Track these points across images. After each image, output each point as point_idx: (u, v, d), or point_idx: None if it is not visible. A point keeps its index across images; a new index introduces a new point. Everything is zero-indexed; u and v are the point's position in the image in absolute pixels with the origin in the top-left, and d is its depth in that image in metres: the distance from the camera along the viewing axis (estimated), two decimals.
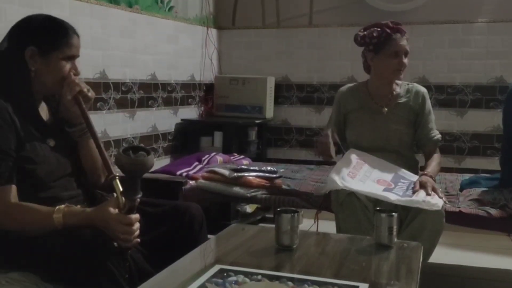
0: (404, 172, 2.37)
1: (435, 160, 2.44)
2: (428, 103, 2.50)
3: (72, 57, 1.69)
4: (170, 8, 3.60)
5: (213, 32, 4.16)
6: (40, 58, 1.63)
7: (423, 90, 2.52)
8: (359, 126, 2.50)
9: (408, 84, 2.54)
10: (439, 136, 2.49)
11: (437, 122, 2.51)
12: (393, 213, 1.60)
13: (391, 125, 2.44)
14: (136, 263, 1.59)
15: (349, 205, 2.11)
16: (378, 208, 1.68)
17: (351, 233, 2.02)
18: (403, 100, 2.48)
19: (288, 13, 4.10)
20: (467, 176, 2.87)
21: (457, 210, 2.26)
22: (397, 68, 2.39)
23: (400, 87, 2.51)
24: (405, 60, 2.40)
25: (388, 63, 2.39)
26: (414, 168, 2.51)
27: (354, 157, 2.35)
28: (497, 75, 3.64)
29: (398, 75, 2.43)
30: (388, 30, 2.38)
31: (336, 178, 2.19)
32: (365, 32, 2.42)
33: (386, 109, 2.46)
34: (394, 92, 2.49)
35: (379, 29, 2.39)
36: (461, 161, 3.75)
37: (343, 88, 2.61)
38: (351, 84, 2.62)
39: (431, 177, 2.28)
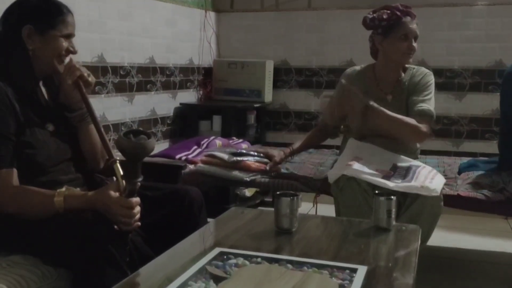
0: (403, 160, 2.35)
1: (401, 116, 2.24)
2: (425, 80, 2.40)
3: (69, 36, 1.69)
4: None
5: (212, 15, 4.13)
6: (38, 37, 1.63)
7: (426, 70, 2.46)
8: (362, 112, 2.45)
9: (413, 68, 2.48)
10: (424, 108, 2.28)
11: (436, 106, 2.43)
12: (392, 197, 1.61)
13: (394, 112, 2.37)
14: (137, 246, 1.60)
15: (349, 190, 2.12)
16: (376, 192, 1.69)
17: (351, 217, 2.03)
18: (406, 85, 2.43)
19: None
20: (465, 159, 2.88)
21: (456, 193, 2.28)
22: (406, 52, 2.35)
23: (406, 72, 2.47)
24: (415, 44, 2.37)
25: (398, 46, 2.35)
26: (414, 153, 2.51)
27: (350, 156, 2.33)
28: (497, 58, 3.63)
29: (407, 59, 2.39)
30: (398, 13, 2.34)
31: (334, 170, 2.23)
32: (374, 15, 2.39)
33: (390, 96, 2.42)
34: (399, 78, 2.44)
35: (389, 11, 2.36)
36: (460, 145, 3.76)
37: (349, 71, 2.56)
38: (357, 67, 2.56)
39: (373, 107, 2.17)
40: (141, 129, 1.60)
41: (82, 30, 2.70)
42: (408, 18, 2.36)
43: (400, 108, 2.38)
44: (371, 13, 2.42)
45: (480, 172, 2.49)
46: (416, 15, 2.41)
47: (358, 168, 2.20)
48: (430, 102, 2.34)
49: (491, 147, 3.60)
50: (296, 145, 2.62)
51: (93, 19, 2.84)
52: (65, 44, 1.68)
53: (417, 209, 2.10)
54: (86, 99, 1.68)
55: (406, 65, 2.46)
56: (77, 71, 1.68)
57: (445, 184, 2.26)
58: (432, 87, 2.42)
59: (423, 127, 2.26)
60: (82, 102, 1.70)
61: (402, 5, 2.39)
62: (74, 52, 1.71)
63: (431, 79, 2.43)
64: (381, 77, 2.46)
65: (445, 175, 2.47)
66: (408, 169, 2.25)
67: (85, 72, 1.70)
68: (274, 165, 2.55)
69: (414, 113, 2.30)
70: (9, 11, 1.67)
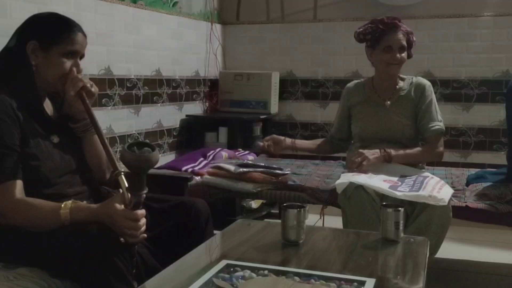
0: (410, 170, 2.38)
1: (416, 149, 2.44)
2: (429, 94, 2.50)
3: (74, 53, 1.67)
4: (174, 4, 3.59)
5: (218, 27, 4.15)
6: (41, 53, 1.63)
7: (425, 82, 2.55)
8: (363, 119, 2.57)
9: (412, 78, 2.58)
10: (438, 127, 2.45)
11: (443, 117, 2.51)
12: (400, 208, 1.60)
13: (394, 117, 2.49)
14: (143, 258, 1.60)
15: (357, 198, 2.11)
16: (384, 203, 1.68)
17: (359, 226, 2.03)
18: (405, 93, 2.52)
19: (293, 8, 4.08)
20: (473, 170, 2.86)
21: (464, 205, 2.26)
22: (390, 62, 2.45)
23: (405, 81, 2.56)
24: (402, 55, 2.45)
25: (382, 57, 2.46)
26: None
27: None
28: (503, 69, 3.62)
29: (392, 69, 2.49)
30: (381, 26, 2.44)
31: (342, 180, 2.24)
32: (361, 29, 2.50)
33: (389, 102, 2.52)
34: (397, 86, 2.53)
35: (373, 25, 2.46)
36: (467, 156, 3.74)
37: (350, 84, 2.70)
38: (358, 80, 2.70)
39: (387, 155, 2.35)
40: (146, 141, 1.60)
41: (89, 43, 2.68)
42: (392, 30, 2.44)
43: (398, 113, 2.50)
44: (361, 27, 2.52)
45: (488, 184, 2.47)
46: (402, 25, 2.47)
47: (366, 177, 2.22)
48: (438, 115, 2.48)
49: (499, 158, 3.58)
50: (301, 141, 2.84)
51: (100, 32, 2.87)
52: (68, 64, 1.65)
53: (425, 219, 2.08)
54: (89, 109, 1.67)
55: (403, 76, 2.57)
56: (80, 82, 1.67)
57: (453, 196, 2.26)
58: (434, 98, 2.52)
59: (439, 146, 2.46)
60: (85, 113, 1.69)
61: (388, 17, 2.46)
62: (79, 72, 1.69)
63: (431, 91, 2.53)
64: (378, 86, 2.57)
65: (453, 187, 2.45)
66: (415, 180, 2.26)
67: (88, 83, 1.70)
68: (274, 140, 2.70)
69: (430, 132, 2.45)
70: (21, 26, 1.68)
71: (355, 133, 2.59)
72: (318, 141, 2.88)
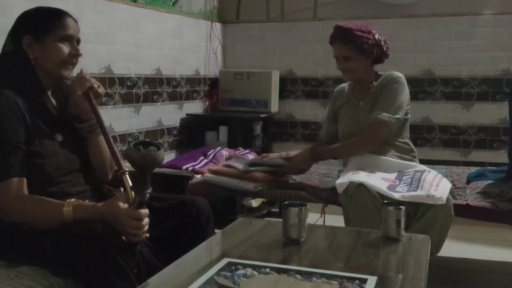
0: (407, 166, 2.37)
1: (344, 142, 2.49)
2: (391, 84, 2.44)
3: (69, 38, 1.68)
4: (175, 3, 3.59)
5: (218, 26, 4.15)
6: (37, 45, 1.64)
7: (394, 74, 2.48)
8: (344, 121, 2.60)
9: (386, 74, 2.53)
10: (378, 116, 2.35)
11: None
12: (401, 206, 1.60)
13: (366, 115, 2.45)
14: (144, 257, 1.59)
15: (359, 197, 2.11)
16: (385, 201, 1.68)
17: (361, 225, 2.03)
18: (375, 89, 2.50)
19: (293, 7, 4.08)
20: (474, 169, 2.86)
21: (465, 203, 2.26)
22: (340, 70, 2.51)
23: (379, 78, 2.53)
24: (347, 63, 2.46)
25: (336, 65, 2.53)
26: (408, 154, 2.51)
27: (354, 168, 2.36)
28: (504, 67, 3.62)
29: (345, 77, 2.55)
30: (330, 38, 2.52)
31: (341, 179, 2.24)
32: None
33: (362, 102, 2.52)
34: (371, 85, 2.53)
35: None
36: (468, 154, 3.73)
37: (338, 87, 2.73)
38: (345, 84, 2.71)
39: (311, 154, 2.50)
40: (149, 140, 1.61)
41: (90, 42, 2.71)
42: (333, 42, 2.50)
43: (370, 110, 2.47)
44: None
45: (488, 182, 2.47)
46: (353, 30, 2.46)
47: (365, 175, 2.22)
48: (393, 108, 2.38)
49: (500, 156, 3.58)
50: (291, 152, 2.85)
51: (100, 31, 2.86)
52: (65, 48, 1.66)
53: (430, 219, 2.09)
54: (95, 110, 1.68)
55: (380, 73, 2.56)
56: (87, 82, 1.68)
57: (455, 194, 2.26)
58: (399, 91, 2.43)
59: (372, 135, 2.39)
60: (91, 113, 1.70)
61: (335, 26, 2.52)
62: (79, 55, 1.70)
63: (397, 83, 2.44)
64: (356, 87, 2.59)
65: (453, 185, 2.45)
66: (413, 176, 2.25)
67: (95, 83, 1.71)
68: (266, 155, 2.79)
69: (369, 121, 2.41)
70: (12, 27, 1.70)
71: (339, 134, 2.62)
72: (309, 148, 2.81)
